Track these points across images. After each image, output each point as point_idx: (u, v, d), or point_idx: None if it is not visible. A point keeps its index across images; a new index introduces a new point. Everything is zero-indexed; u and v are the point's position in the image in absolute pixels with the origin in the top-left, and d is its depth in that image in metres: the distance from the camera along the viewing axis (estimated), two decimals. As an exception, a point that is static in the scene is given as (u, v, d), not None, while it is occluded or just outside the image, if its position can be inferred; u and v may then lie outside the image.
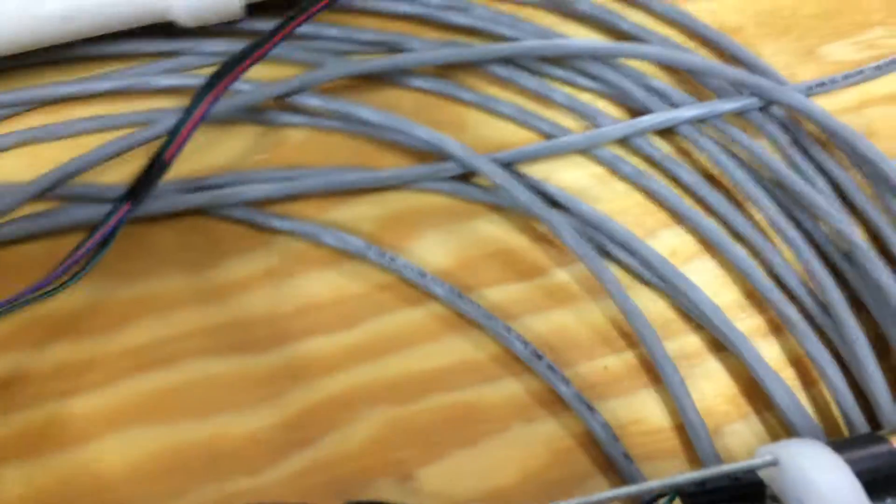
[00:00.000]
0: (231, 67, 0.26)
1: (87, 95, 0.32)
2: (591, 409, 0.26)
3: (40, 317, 0.27)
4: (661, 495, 0.21)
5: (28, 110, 0.32)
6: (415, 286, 0.29)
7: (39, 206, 0.29)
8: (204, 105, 0.26)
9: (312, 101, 0.31)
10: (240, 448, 0.26)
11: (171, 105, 0.32)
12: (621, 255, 0.29)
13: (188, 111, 0.25)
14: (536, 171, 0.31)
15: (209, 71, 0.27)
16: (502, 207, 0.31)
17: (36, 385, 0.26)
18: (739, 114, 0.32)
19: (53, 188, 0.29)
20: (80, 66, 0.32)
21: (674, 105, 0.32)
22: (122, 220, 0.25)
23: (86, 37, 0.31)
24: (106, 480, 0.25)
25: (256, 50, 0.27)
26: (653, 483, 0.21)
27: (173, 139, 0.26)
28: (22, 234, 0.28)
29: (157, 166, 0.25)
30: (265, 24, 0.32)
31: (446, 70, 0.33)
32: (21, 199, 0.28)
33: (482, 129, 0.33)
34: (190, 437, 0.26)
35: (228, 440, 0.26)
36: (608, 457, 0.26)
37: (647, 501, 0.21)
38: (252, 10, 0.32)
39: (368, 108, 0.30)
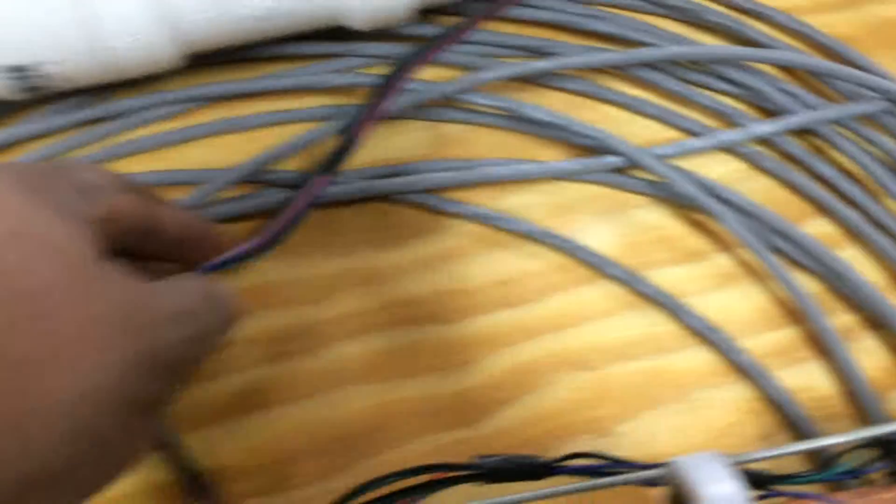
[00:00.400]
0: (417, 56, 0.33)
1: (264, 92, 0.39)
2: (766, 375, 0.33)
3: (250, 287, 0.33)
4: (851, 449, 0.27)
5: (211, 104, 0.38)
6: (590, 267, 0.35)
7: (238, 191, 0.35)
8: (396, 81, 0.32)
9: (480, 100, 0.38)
10: (450, 405, 0.32)
11: (339, 102, 0.38)
12: (777, 241, 0.36)
13: (385, 85, 0.32)
14: (685, 165, 0.38)
15: (375, 71, 0.34)
16: (660, 197, 0.37)
17: (252, 348, 0.32)
18: (869, 115, 0.39)
19: (252, 174, 0.35)
20: (254, 65, 0.39)
21: (808, 107, 0.39)
22: (321, 190, 0.31)
23: (269, 38, 0.37)
24: (330, 432, 0.31)
25: (437, 45, 0.33)
26: (849, 435, 0.27)
27: (358, 121, 0.32)
28: (230, 214, 0.35)
29: (345, 145, 0.32)
30: (423, 29, 0.38)
31: (591, 73, 0.40)
32: (225, 182, 0.34)
33: (628, 127, 0.40)
34: (404, 394, 0.32)
35: (438, 398, 0.32)
36: (787, 418, 0.32)
37: (836, 455, 0.27)
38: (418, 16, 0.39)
39: (535, 106, 0.37)
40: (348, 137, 0.31)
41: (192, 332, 0.21)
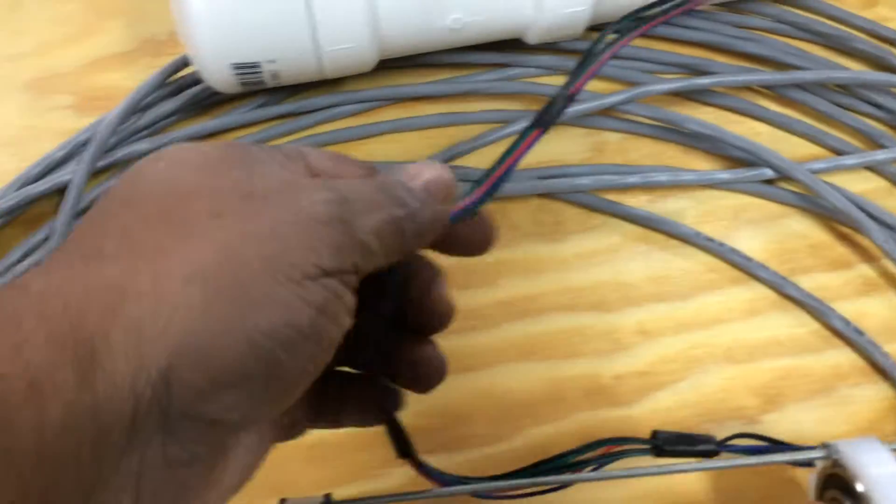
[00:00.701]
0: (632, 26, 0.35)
1: (441, 95, 0.43)
2: (908, 376, 0.35)
3: None
4: None
5: (393, 104, 0.43)
6: (740, 269, 0.38)
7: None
8: (609, 54, 0.34)
9: (640, 111, 0.41)
10: (607, 386, 0.36)
11: (509, 107, 0.42)
12: (920, 254, 0.38)
13: (586, 59, 0.34)
14: (831, 181, 0.41)
15: (542, 80, 0.38)
16: (807, 209, 0.40)
17: None
18: None
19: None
20: (433, 70, 0.44)
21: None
22: (532, 144, 0.29)
23: (455, 46, 0.42)
24: (501, 401, 0.36)
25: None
26: None
27: (577, 78, 0.34)
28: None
29: (562, 99, 0.34)
30: (582, 45, 0.42)
31: (743, 91, 0.43)
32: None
33: (775, 143, 0.42)
34: (564, 374, 0.36)
35: (597, 378, 0.36)
36: (929, 416, 0.34)
37: None
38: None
39: (693, 118, 0.41)
40: (566, 94, 0.33)
41: (346, 198, 0.20)
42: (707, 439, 0.31)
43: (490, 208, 0.40)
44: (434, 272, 0.27)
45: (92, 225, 0.19)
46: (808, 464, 0.31)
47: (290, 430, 0.26)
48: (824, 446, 0.29)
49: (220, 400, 0.18)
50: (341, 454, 0.35)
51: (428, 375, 0.27)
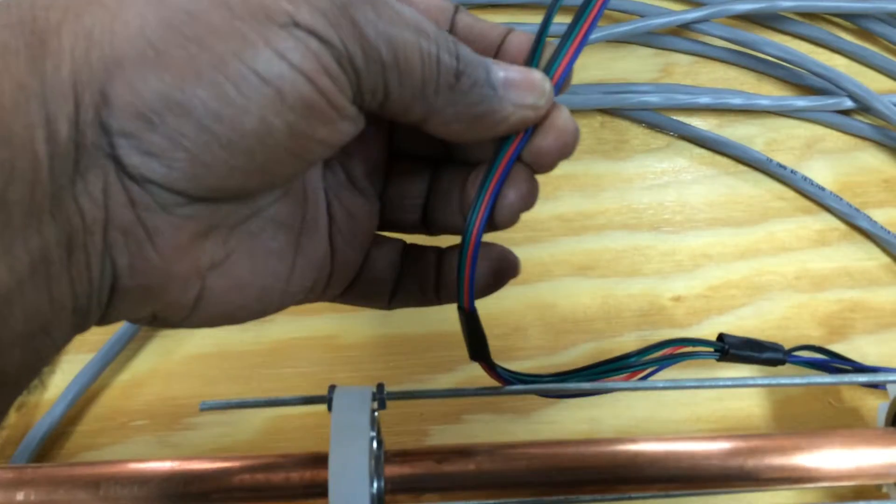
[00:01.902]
0: None
1: (505, 3, 0.41)
2: (984, 316, 0.34)
3: None
4: None
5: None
6: (811, 198, 0.37)
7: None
8: None
9: (715, 31, 0.40)
10: (665, 307, 0.35)
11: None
12: None
13: None
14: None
15: None
16: (881, 143, 0.39)
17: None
18: None
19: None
20: None
21: None
22: (601, 10, 0.22)
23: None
24: (556, 314, 0.35)
25: None
26: None
27: None
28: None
29: None
30: None
31: (818, 21, 0.42)
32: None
33: (853, 75, 0.41)
34: (621, 291, 0.35)
35: (655, 299, 0.35)
36: None
37: None
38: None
39: (771, 41, 0.39)
40: None
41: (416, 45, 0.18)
42: (775, 347, 0.30)
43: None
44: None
45: None
46: (881, 388, 0.30)
47: (327, 284, 0.24)
48: (904, 368, 0.28)
49: (162, 125, 0.17)
50: (386, 356, 0.34)
51: (514, 208, 0.23)
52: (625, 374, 0.28)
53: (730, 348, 0.29)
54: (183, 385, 0.33)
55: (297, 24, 0.17)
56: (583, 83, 0.41)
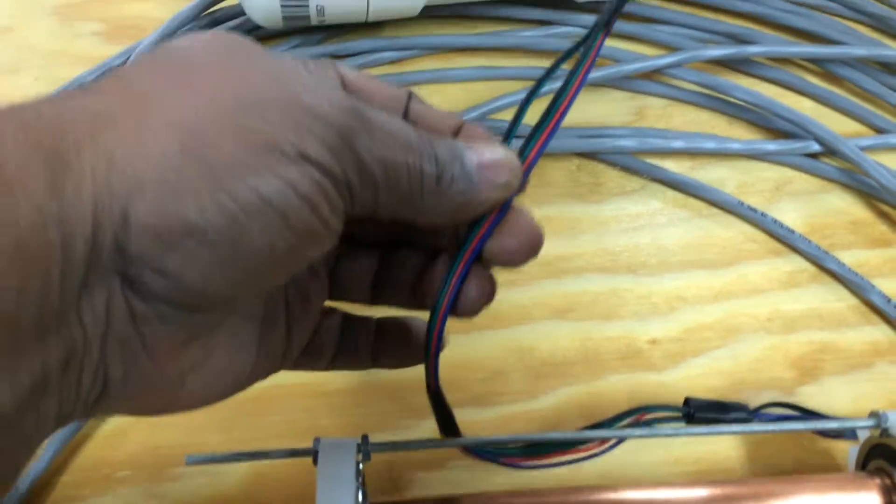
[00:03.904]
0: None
1: (483, 48, 0.43)
2: (948, 357, 0.35)
3: None
4: None
5: (434, 53, 0.42)
6: (781, 240, 0.38)
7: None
8: None
9: (686, 76, 0.41)
10: (642, 350, 0.36)
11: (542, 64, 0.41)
12: (963, 237, 0.38)
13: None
14: (875, 159, 0.41)
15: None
16: (848, 185, 0.40)
17: None
18: None
19: (476, 122, 0.39)
20: (475, 22, 0.44)
21: None
22: (600, 48, 0.25)
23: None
24: (536, 358, 0.36)
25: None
26: None
27: None
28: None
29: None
30: (631, 6, 0.42)
31: (787, 64, 0.43)
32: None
33: (819, 118, 0.42)
34: (599, 334, 0.36)
35: (632, 342, 0.36)
36: (965, 397, 0.35)
37: None
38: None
39: (741, 86, 0.40)
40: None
41: (362, 114, 0.20)
42: (740, 407, 0.31)
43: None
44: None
45: (93, 79, 0.19)
46: (850, 435, 0.31)
47: (300, 358, 0.25)
48: (873, 415, 0.29)
49: (177, 249, 0.17)
50: (369, 403, 0.34)
51: (476, 302, 0.24)
52: (595, 443, 0.29)
53: (696, 412, 0.30)
54: (167, 434, 0.33)
55: (304, 157, 0.18)
56: (563, 126, 0.41)
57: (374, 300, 0.27)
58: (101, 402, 0.19)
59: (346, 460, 0.26)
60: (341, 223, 0.20)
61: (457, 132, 0.24)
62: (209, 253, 0.18)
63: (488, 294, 0.24)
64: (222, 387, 0.22)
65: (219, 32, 0.21)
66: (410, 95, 0.25)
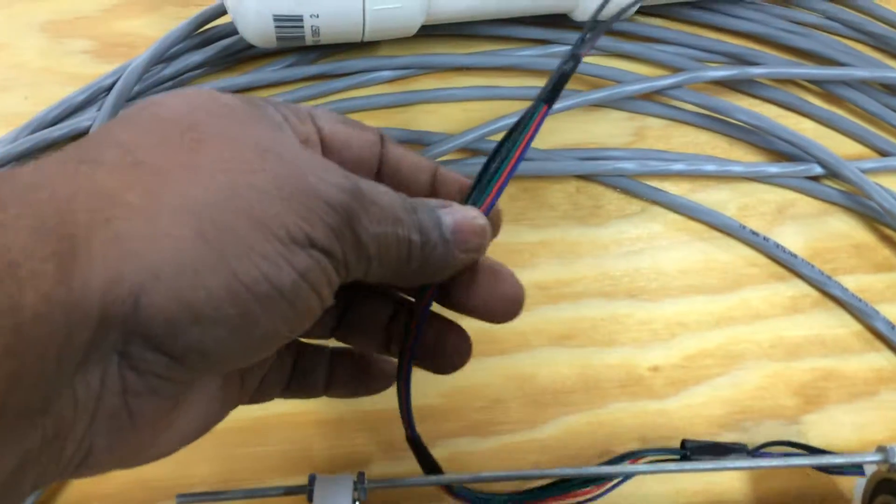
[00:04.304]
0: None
1: (480, 67, 0.42)
2: (953, 385, 0.35)
3: None
4: None
5: (431, 73, 0.42)
6: (783, 265, 0.38)
7: (455, 156, 0.39)
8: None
9: (687, 97, 0.40)
10: (643, 378, 0.35)
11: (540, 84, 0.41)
12: (967, 262, 0.38)
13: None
14: (879, 182, 0.40)
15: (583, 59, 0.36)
16: (851, 208, 0.39)
17: None
18: None
19: (474, 143, 0.38)
20: (472, 41, 0.43)
21: None
22: (541, 122, 0.28)
23: (502, 17, 0.40)
24: (535, 386, 0.35)
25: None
26: None
27: (584, 41, 0.33)
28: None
29: (569, 65, 0.33)
30: (628, 25, 0.42)
31: (788, 85, 0.43)
32: (452, 146, 0.38)
33: (821, 140, 0.42)
34: (599, 361, 0.35)
35: (633, 369, 0.35)
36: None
37: None
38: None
39: (741, 108, 0.40)
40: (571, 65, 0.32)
41: (359, 193, 0.20)
42: (739, 448, 0.30)
43: (526, 187, 0.39)
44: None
45: (95, 136, 0.19)
46: (852, 472, 0.31)
47: (255, 393, 0.25)
48: (880, 450, 0.29)
49: (185, 335, 0.17)
50: (364, 432, 0.34)
51: (452, 360, 0.26)
52: (591, 488, 0.29)
53: (692, 454, 0.30)
54: (156, 468, 0.32)
55: (313, 244, 0.19)
56: (558, 148, 0.41)
57: (338, 339, 0.27)
58: (79, 470, 0.18)
59: (342, 499, 0.26)
60: (333, 296, 0.21)
61: (433, 177, 0.26)
62: (215, 337, 0.18)
63: (464, 351, 0.26)
64: (191, 437, 0.22)
65: (213, 94, 0.21)
66: (383, 139, 0.25)
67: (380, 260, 0.21)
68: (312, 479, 0.26)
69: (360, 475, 0.26)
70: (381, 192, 0.21)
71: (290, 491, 0.26)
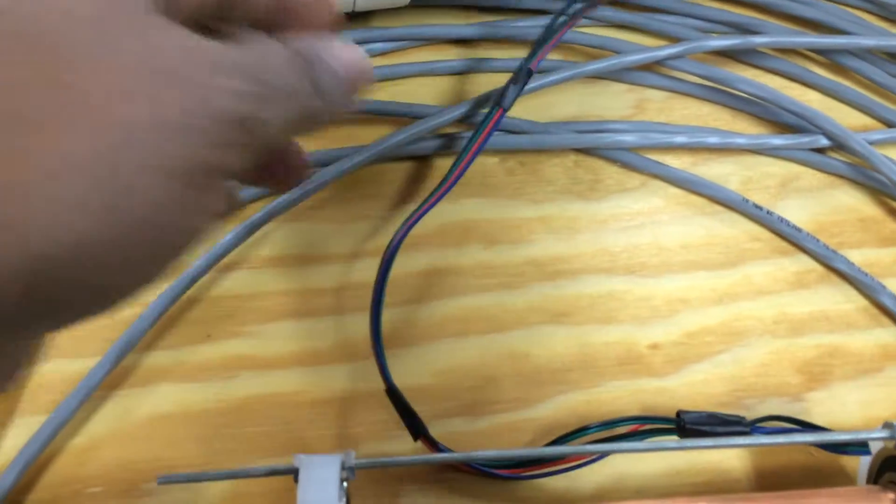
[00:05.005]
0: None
1: (477, 38, 0.41)
2: (962, 361, 0.34)
3: (460, 222, 0.37)
4: None
5: (426, 45, 0.41)
6: (788, 239, 0.37)
7: (451, 129, 0.38)
8: (565, 28, 0.35)
9: (690, 68, 0.39)
10: (643, 355, 0.34)
11: (547, 56, 0.39)
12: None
13: (547, 33, 0.35)
14: (887, 153, 0.39)
15: (582, 30, 0.38)
16: (858, 181, 0.38)
17: (459, 277, 0.36)
18: None
19: (465, 116, 0.37)
20: (468, 13, 0.42)
21: None
22: (496, 126, 0.34)
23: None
24: (530, 364, 0.34)
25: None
26: None
27: (536, 54, 0.34)
28: (436, 149, 0.37)
29: (522, 75, 0.34)
30: None
31: (793, 55, 0.42)
32: (446, 119, 0.37)
33: (826, 111, 0.41)
34: (597, 339, 0.34)
35: (632, 347, 0.34)
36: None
37: None
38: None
39: (745, 78, 0.39)
40: (525, 70, 0.33)
41: (261, 91, 0.18)
42: (737, 421, 0.30)
43: (523, 161, 0.38)
44: None
45: None
46: (856, 451, 0.30)
47: None
48: (887, 426, 0.28)
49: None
50: (353, 413, 0.33)
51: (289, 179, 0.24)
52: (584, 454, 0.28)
53: (688, 425, 0.29)
54: (142, 448, 0.31)
55: (221, 171, 0.18)
56: (556, 121, 0.40)
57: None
58: None
59: (330, 481, 0.25)
60: None
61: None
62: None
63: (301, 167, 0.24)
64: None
65: None
66: None
67: (286, 138, 0.21)
68: (298, 459, 0.25)
69: (348, 454, 0.26)
70: (273, 69, 0.19)
71: (275, 471, 0.25)
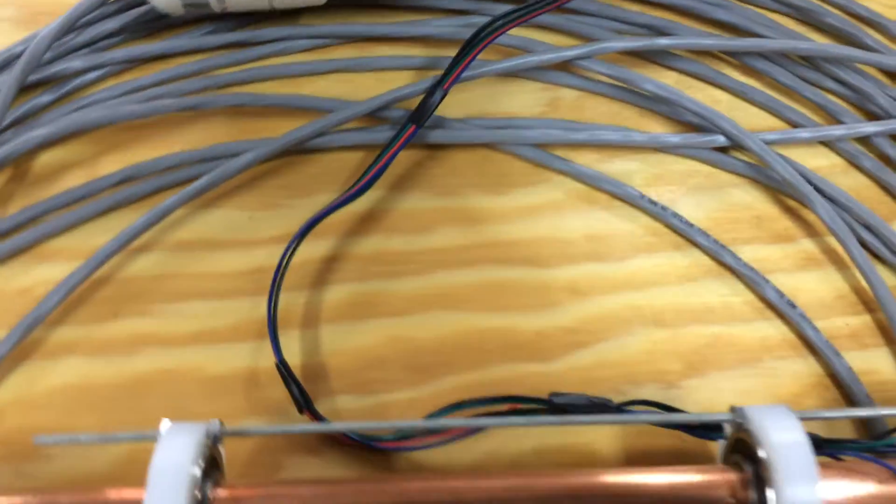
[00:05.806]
0: (499, 26, 0.37)
1: (397, 37, 0.43)
2: (837, 354, 0.35)
3: (361, 212, 0.39)
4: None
5: (347, 42, 0.43)
6: (681, 234, 0.38)
7: (362, 123, 0.39)
8: (476, 51, 0.36)
9: (599, 68, 0.41)
10: (530, 341, 0.36)
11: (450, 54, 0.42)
12: (864, 234, 0.38)
13: (461, 54, 0.36)
14: (786, 154, 0.41)
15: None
16: (756, 180, 0.40)
17: (359, 264, 0.38)
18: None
19: (377, 110, 0.39)
20: (389, 11, 0.45)
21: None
22: (407, 140, 0.36)
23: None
24: (418, 348, 0.36)
25: (519, 17, 0.37)
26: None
27: (450, 74, 0.36)
28: (348, 144, 0.39)
29: (435, 95, 0.36)
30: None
31: (705, 57, 0.43)
32: (354, 114, 0.39)
33: (733, 111, 0.42)
34: (486, 325, 0.36)
35: (520, 333, 0.36)
36: (850, 395, 0.35)
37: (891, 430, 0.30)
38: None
39: (651, 79, 0.40)
40: (442, 89, 0.35)
41: None
42: (604, 403, 0.31)
43: (432, 155, 0.40)
44: None
45: None
46: (717, 428, 0.31)
47: None
48: (732, 410, 0.29)
49: None
50: (258, 389, 0.35)
51: None
52: (460, 427, 0.30)
53: (558, 405, 0.31)
54: (44, 416, 0.33)
55: None
56: (468, 117, 0.42)
57: None
58: None
59: (189, 444, 0.27)
60: None
61: None
62: None
63: None
64: None
65: None
66: None
67: None
68: (164, 425, 0.27)
69: (213, 422, 0.28)
70: None
71: (141, 437, 0.27)
